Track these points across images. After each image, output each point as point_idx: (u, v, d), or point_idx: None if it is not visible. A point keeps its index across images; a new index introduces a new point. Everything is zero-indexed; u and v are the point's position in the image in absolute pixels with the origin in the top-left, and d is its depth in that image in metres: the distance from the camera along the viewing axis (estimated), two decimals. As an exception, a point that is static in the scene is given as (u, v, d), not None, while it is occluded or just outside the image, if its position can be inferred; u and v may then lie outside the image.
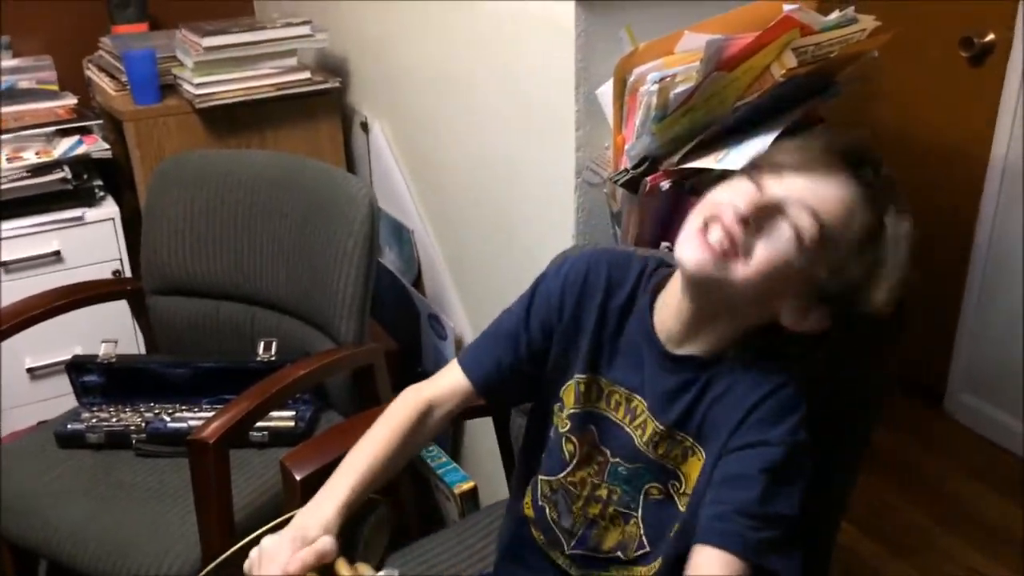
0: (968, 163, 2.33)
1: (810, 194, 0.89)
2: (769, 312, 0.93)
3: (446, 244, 1.95)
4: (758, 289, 0.89)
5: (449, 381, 1.10)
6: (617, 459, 1.03)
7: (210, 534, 1.39)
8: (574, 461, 1.06)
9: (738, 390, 0.95)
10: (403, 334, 2.16)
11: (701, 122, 1.30)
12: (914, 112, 2.46)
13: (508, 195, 1.66)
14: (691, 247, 0.89)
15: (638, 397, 1.01)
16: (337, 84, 2.12)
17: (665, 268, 1.04)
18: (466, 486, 1.82)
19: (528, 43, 1.47)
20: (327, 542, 0.91)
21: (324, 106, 2.15)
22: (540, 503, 1.11)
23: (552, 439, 1.09)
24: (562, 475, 1.08)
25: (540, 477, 1.11)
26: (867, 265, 0.90)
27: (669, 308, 0.99)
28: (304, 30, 2.03)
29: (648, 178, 1.29)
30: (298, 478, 1.27)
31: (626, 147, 1.33)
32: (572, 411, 1.06)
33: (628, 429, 1.02)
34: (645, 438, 0.99)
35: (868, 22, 1.34)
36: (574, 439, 1.06)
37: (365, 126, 2.14)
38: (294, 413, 1.68)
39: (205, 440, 1.35)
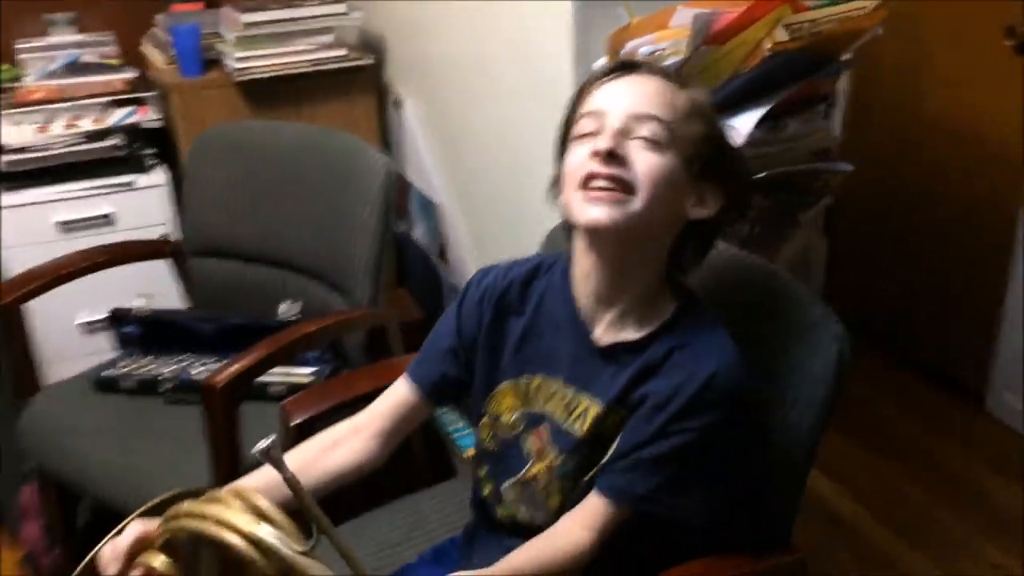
0: (1009, 151, 2.27)
1: (634, 103, 0.96)
2: (677, 220, 0.99)
3: (469, 217, 2.01)
4: (657, 205, 0.94)
5: (392, 396, 1.14)
6: (560, 458, 1.05)
7: (220, 476, 1.49)
8: (534, 454, 1.08)
9: (682, 371, 0.97)
10: (429, 304, 2.23)
11: (693, 96, 1.33)
12: (958, 97, 2.41)
13: (520, 169, 1.72)
14: (591, 208, 0.94)
15: (574, 389, 1.04)
16: (371, 61, 2.20)
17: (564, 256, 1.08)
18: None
19: (532, 20, 1.52)
20: (137, 525, 0.93)
21: (359, 83, 2.23)
22: (511, 509, 1.12)
23: (504, 442, 1.10)
24: (525, 470, 1.09)
25: (506, 483, 1.11)
26: (708, 124, 0.99)
27: (586, 279, 1.02)
28: (339, 8, 2.12)
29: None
30: (291, 424, 1.35)
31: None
32: (521, 411, 1.08)
33: (566, 425, 1.04)
34: (588, 424, 1.02)
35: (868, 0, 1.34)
36: (531, 435, 1.08)
37: (398, 104, 2.21)
38: (315, 369, 1.77)
39: (215, 386, 1.44)
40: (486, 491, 1.14)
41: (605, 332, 1.03)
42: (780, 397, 1.11)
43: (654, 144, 0.94)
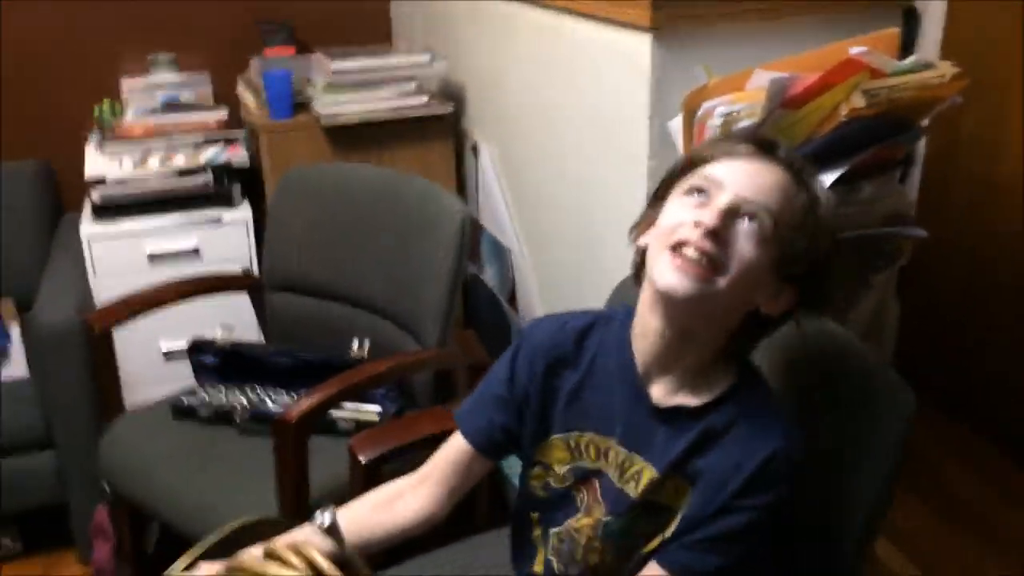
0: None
1: (753, 191, 0.95)
2: (747, 307, 0.99)
3: (539, 264, 2.05)
4: (737, 292, 0.94)
5: (449, 448, 1.15)
6: (609, 516, 1.06)
7: (286, 507, 1.53)
8: (583, 508, 1.08)
9: (743, 446, 0.98)
10: (496, 347, 2.26)
11: (767, 158, 1.34)
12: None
13: (590, 220, 1.74)
14: (674, 275, 0.93)
15: (626, 449, 1.04)
16: (450, 109, 2.27)
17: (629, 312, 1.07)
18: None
19: (608, 74, 1.55)
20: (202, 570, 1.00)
21: (439, 129, 2.30)
22: (549, 557, 1.13)
23: (555, 491, 1.10)
24: (570, 521, 1.09)
25: (552, 529, 1.12)
26: (813, 236, 0.97)
27: (646, 337, 1.02)
28: (423, 58, 2.20)
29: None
30: (362, 461, 1.39)
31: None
32: (571, 466, 1.08)
33: (619, 484, 1.05)
34: (640, 488, 1.02)
35: (946, 68, 1.34)
36: (583, 488, 1.08)
37: (475, 149, 2.27)
38: (381, 408, 1.81)
39: (288, 420, 1.49)
40: (536, 532, 1.15)
41: (663, 394, 1.02)
42: (841, 466, 1.11)
43: (759, 235, 0.93)
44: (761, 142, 0.99)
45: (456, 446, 1.15)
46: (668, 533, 1.02)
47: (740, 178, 0.95)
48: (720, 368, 1.02)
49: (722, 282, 0.93)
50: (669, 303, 0.96)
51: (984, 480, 2.33)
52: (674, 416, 1.01)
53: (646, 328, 1.02)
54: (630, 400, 1.04)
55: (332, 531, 1.07)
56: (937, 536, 2.15)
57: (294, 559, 0.88)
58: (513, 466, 2.00)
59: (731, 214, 0.93)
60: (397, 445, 1.41)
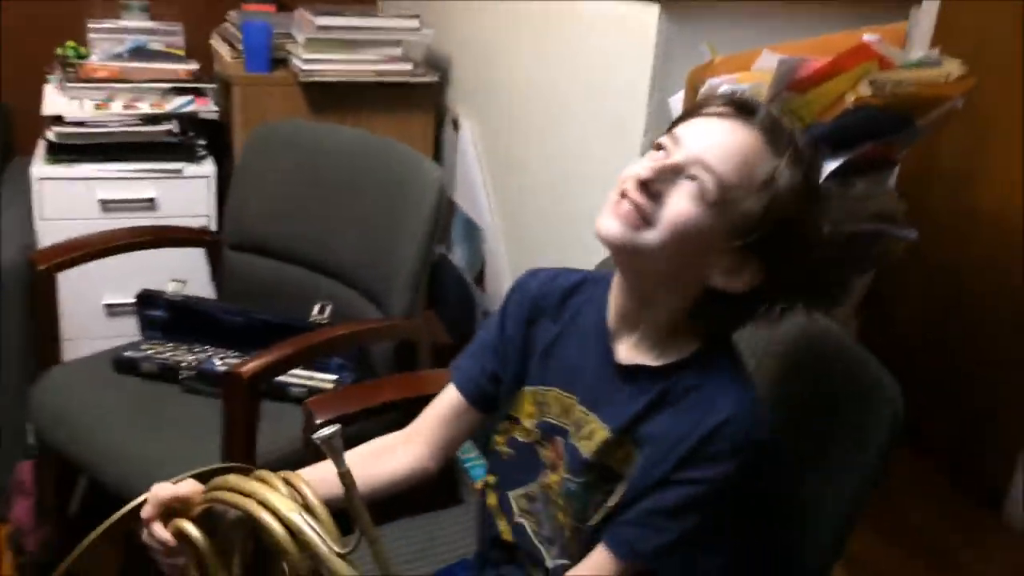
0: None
1: (709, 152, 0.90)
2: (698, 275, 0.93)
3: (513, 244, 1.99)
4: (674, 251, 0.90)
5: (439, 402, 1.12)
6: (568, 474, 1.02)
7: (231, 468, 1.44)
8: (549, 465, 1.05)
9: (693, 414, 0.93)
10: (461, 331, 2.20)
11: (767, 141, 1.30)
12: (1012, 195, 2.37)
13: (577, 199, 1.69)
14: (605, 219, 0.92)
15: (585, 408, 1.01)
16: (435, 79, 2.21)
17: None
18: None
19: (612, 46, 1.51)
20: (189, 484, 0.92)
21: (421, 99, 2.23)
22: (518, 520, 1.09)
23: (521, 448, 1.08)
24: (540, 478, 1.06)
25: (512, 493, 1.09)
26: (772, 202, 0.90)
27: (616, 296, 1.01)
28: (411, 23, 2.13)
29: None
30: (318, 421, 1.31)
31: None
32: (538, 420, 1.06)
33: (574, 440, 1.02)
34: (594, 447, 0.99)
35: (954, 66, 1.32)
36: (548, 445, 1.05)
37: (456, 123, 2.21)
38: (337, 377, 1.73)
39: (240, 375, 1.40)
40: (491, 500, 1.12)
41: (627, 352, 1.00)
42: (825, 460, 1.06)
43: (698, 196, 0.89)
44: (741, 103, 0.95)
45: (447, 398, 1.12)
46: (611, 502, 0.98)
47: (700, 138, 0.92)
48: (684, 335, 0.98)
49: (652, 234, 0.90)
50: (615, 254, 0.95)
51: (941, 510, 2.32)
52: (635, 375, 0.98)
53: (615, 288, 1.01)
54: (598, 358, 1.02)
55: (332, 450, 0.95)
56: (890, 561, 2.13)
57: (279, 484, 0.81)
58: (463, 451, 1.94)
59: (670, 170, 0.91)
60: (354, 410, 1.33)
